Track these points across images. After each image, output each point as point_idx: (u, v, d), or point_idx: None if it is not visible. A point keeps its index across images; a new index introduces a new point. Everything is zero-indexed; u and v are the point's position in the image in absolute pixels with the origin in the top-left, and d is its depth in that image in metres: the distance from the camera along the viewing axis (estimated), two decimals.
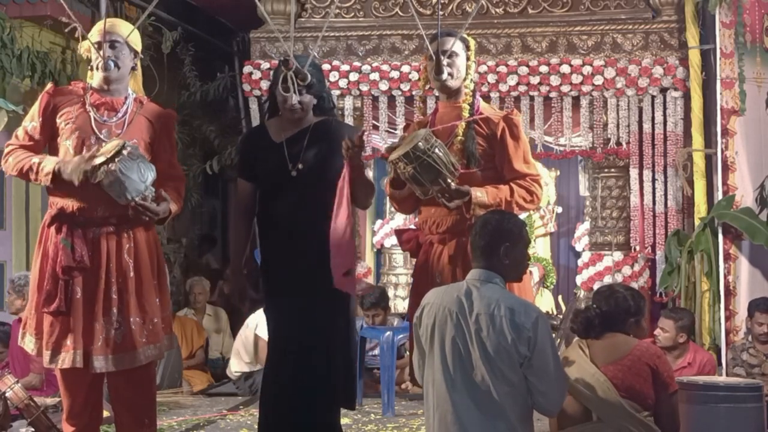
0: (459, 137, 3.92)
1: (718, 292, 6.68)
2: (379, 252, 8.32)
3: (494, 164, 3.96)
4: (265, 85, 7.45)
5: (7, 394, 4.68)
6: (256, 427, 5.29)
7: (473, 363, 3.24)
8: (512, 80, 7.19)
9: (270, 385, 3.91)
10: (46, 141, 3.99)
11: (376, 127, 7.45)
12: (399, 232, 4.31)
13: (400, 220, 7.77)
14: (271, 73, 7.36)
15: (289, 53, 3.84)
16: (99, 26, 4.02)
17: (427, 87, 4.16)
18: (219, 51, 9.42)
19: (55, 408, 5.32)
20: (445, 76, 3.92)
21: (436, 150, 3.67)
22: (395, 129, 7.27)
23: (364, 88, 7.35)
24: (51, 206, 3.95)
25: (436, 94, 4.30)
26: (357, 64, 7.39)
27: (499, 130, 3.93)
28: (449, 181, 3.73)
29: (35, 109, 3.96)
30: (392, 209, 7.77)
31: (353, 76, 7.31)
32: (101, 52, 3.90)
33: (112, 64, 3.91)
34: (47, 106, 3.94)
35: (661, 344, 5.78)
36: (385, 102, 7.42)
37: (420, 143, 3.65)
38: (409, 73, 7.31)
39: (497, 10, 7.40)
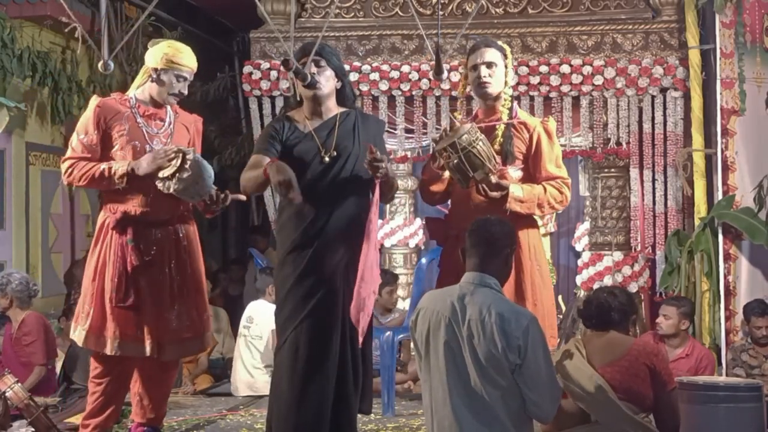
0: (498, 138, 4.15)
1: (718, 292, 6.67)
2: (380, 252, 8.31)
3: (527, 166, 4.21)
4: (265, 85, 7.44)
5: (7, 394, 4.68)
6: (256, 427, 5.33)
7: (467, 368, 3.23)
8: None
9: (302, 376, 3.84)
10: (102, 151, 4.32)
11: None
12: (429, 221, 4.55)
13: (400, 219, 7.77)
14: (272, 73, 7.44)
15: (289, 53, 3.84)
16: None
17: (468, 89, 4.35)
18: (219, 51, 9.43)
19: (55, 408, 5.32)
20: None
21: (480, 143, 3.94)
22: (395, 129, 7.27)
23: (364, 88, 7.33)
24: (110, 210, 4.31)
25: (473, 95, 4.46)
26: (357, 64, 7.38)
27: (536, 134, 4.19)
28: (489, 173, 3.96)
29: (88, 122, 4.31)
30: (392, 209, 7.77)
31: (353, 76, 7.28)
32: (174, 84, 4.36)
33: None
34: (99, 119, 4.30)
35: (664, 332, 5.92)
36: (385, 102, 7.41)
37: (465, 136, 3.92)
38: (409, 73, 7.30)
39: (497, 10, 7.39)
